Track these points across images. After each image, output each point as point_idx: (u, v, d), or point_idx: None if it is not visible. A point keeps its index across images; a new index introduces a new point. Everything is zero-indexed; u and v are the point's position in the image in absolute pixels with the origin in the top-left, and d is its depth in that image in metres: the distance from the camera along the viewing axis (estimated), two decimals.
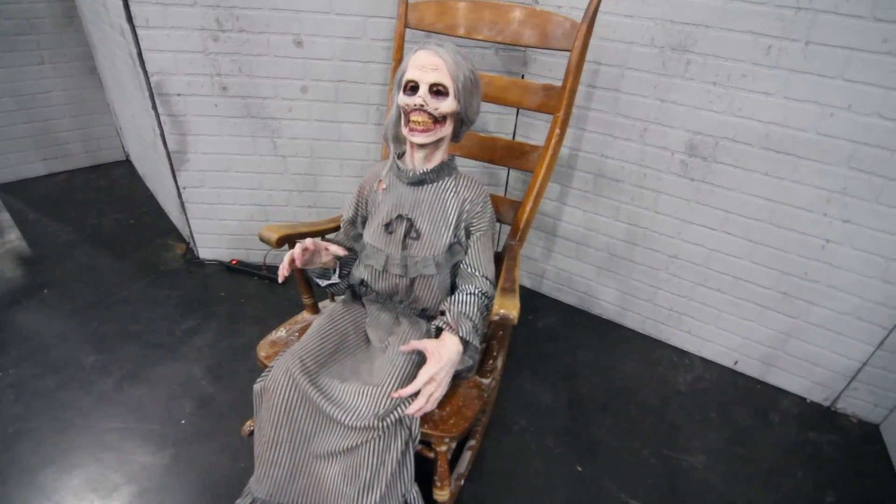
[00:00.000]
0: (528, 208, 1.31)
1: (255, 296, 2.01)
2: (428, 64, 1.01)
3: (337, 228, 1.31)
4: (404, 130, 1.07)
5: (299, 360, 1.04)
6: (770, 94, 1.39)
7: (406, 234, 1.12)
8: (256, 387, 1.07)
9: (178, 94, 1.76)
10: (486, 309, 1.09)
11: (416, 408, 0.99)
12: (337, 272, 1.19)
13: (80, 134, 2.80)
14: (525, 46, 1.40)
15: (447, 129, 1.08)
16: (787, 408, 1.69)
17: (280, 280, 1.00)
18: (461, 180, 1.14)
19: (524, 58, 1.71)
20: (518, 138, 1.85)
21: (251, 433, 1.25)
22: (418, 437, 1.04)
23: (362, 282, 1.20)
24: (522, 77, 1.74)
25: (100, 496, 1.28)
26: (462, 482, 1.33)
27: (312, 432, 1.03)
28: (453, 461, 1.35)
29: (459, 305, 1.05)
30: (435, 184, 1.13)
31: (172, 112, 1.80)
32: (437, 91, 1.03)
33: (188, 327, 1.83)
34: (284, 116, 1.82)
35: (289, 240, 1.23)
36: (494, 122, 1.82)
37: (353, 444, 0.98)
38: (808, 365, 1.66)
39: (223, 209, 2.04)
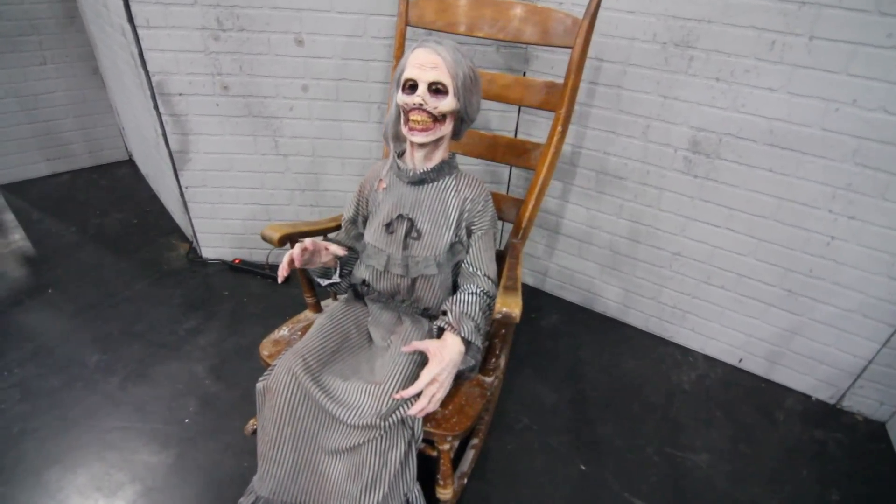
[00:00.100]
0: (530, 206, 1.31)
1: (257, 295, 2.02)
2: (427, 62, 1.00)
3: (338, 227, 1.31)
4: (404, 129, 1.06)
5: (302, 358, 1.04)
6: (774, 90, 1.38)
7: (407, 234, 1.11)
8: (259, 385, 1.07)
9: (180, 94, 1.76)
10: (489, 308, 1.09)
11: (418, 408, 0.98)
12: (338, 272, 1.19)
13: (83, 134, 2.81)
14: (526, 44, 1.39)
15: (447, 128, 1.07)
16: (791, 406, 1.68)
17: (280, 280, 1.00)
18: (462, 179, 1.14)
19: (525, 55, 1.70)
20: (520, 136, 1.85)
21: (254, 432, 1.25)
22: (421, 437, 1.03)
23: (364, 281, 1.20)
24: (524, 74, 1.73)
25: (104, 495, 1.29)
26: (465, 481, 1.33)
27: (315, 431, 1.03)
28: (456, 460, 1.34)
29: (461, 305, 1.05)
30: (435, 183, 1.12)
31: (174, 112, 1.80)
32: (437, 89, 1.02)
33: (191, 327, 1.84)
34: (286, 115, 1.82)
35: (291, 239, 1.23)
36: (496, 119, 1.81)
37: (356, 443, 0.98)
38: (814, 362, 1.65)
39: (225, 208, 2.04)
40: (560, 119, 1.26)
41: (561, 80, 1.27)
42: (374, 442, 0.98)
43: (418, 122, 1.02)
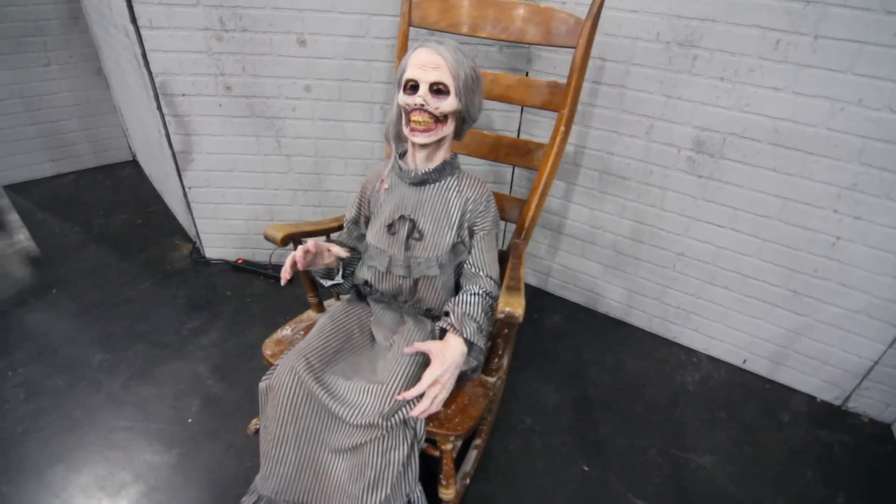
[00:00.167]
0: (533, 206, 1.30)
1: (260, 295, 2.02)
2: (428, 62, 0.99)
3: (341, 227, 1.31)
4: (405, 130, 1.06)
5: (304, 358, 1.04)
6: (779, 89, 1.37)
7: (409, 235, 1.11)
8: (262, 385, 1.07)
9: (183, 95, 1.77)
10: (491, 309, 1.08)
11: (420, 410, 0.98)
12: (340, 272, 1.19)
13: (87, 134, 2.82)
14: (529, 44, 1.38)
15: (449, 129, 1.07)
16: (796, 407, 1.67)
17: (283, 283, 1.00)
18: (464, 179, 1.13)
19: (528, 55, 1.70)
20: (523, 136, 1.84)
21: (257, 431, 1.25)
22: (424, 437, 1.03)
23: (366, 282, 1.20)
24: (527, 74, 1.73)
25: (107, 494, 1.29)
26: (468, 481, 1.33)
27: (318, 430, 1.03)
28: (459, 460, 1.34)
29: (463, 306, 1.05)
30: (437, 183, 1.12)
31: (177, 112, 1.80)
32: (438, 90, 1.01)
33: (194, 327, 1.84)
34: (288, 116, 1.82)
35: (293, 238, 1.23)
36: (499, 119, 1.81)
37: (359, 443, 0.98)
38: (818, 363, 1.64)
39: (228, 209, 2.04)
40: (563, 119, 1.26)
41: (564, 80, 1.27)
42: (377, 442, 0.98)
43: (420, 122, 1.02)
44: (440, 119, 1.03)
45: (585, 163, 1.78)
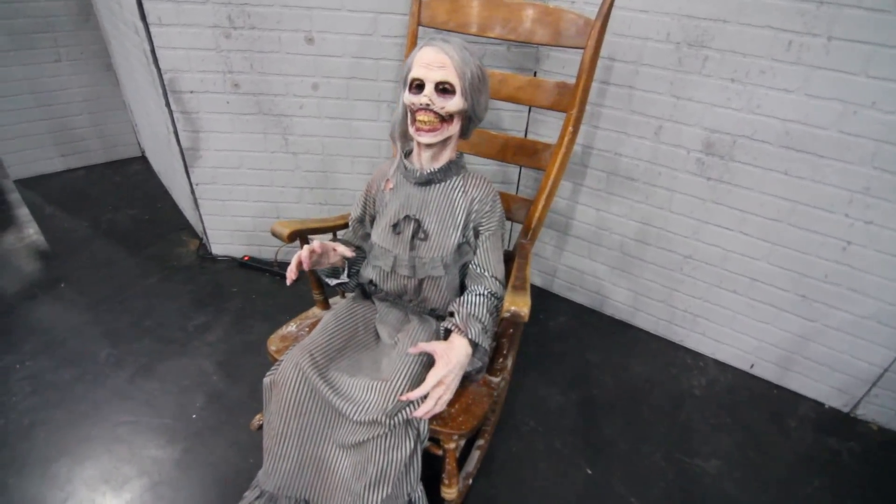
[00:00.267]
0: (540, 206, 1.30)
1: (266, 291, 2.03)
2: (434, 61, 0.99)
3: (347, 224, 1.31)
4: (411, 129, 1.05)
5: (308, 354, 1.04)
6: (790, 91, 1.35)
7: (414, 235, 1.11)
8: (266, 380, 1.07)
9: (191, 92, 1.78)
10: (496, 309, 1.08)
11: (424, 410, 0.98)
12: (346, 271, 1.19)
13: (97, 130, 2.85)
14: (538, 44, 1.38)
15: (454, 128, 1.06)
16: (804, 413, 1.65)
17: (288, 283, 1.00)
18: (469, 179, 1.13)
19: (537, 54, 1.69)
20: (530, 136, 1.83)
21: (260, 427, 1.25)
22: (427, 437, 1.03)
23: (371, 281, 1.20)
24: (535, 74, 1.72)
25: (112, 488, 1.30)
26: (470, 481, 1.32)
27: (321, 426, 1.03)
28: (461, 460, 1.34)
29: (468, 307, 1.04)
30: (443, 183, 1.11)
31: (185, 109, 1.81)
32: (444, 89, 1.00)
33: (200, 322, 1.85)
34: (296, 113, 1.82)
35: (300, 235, 1.23)
36: (507, 119, 1.80)
37: (361, 440, 0.98)
38: (827, 370, 1.62)
39: (235, 206, 2.05)
40: (571, 120, 1.25)
41: (572, 80, 1.26)
42: (380, 439, 0.97)
43: (425, 122, 1.01)
44: (446, 118, 1.03)
45: (593, 163, 1.77)
